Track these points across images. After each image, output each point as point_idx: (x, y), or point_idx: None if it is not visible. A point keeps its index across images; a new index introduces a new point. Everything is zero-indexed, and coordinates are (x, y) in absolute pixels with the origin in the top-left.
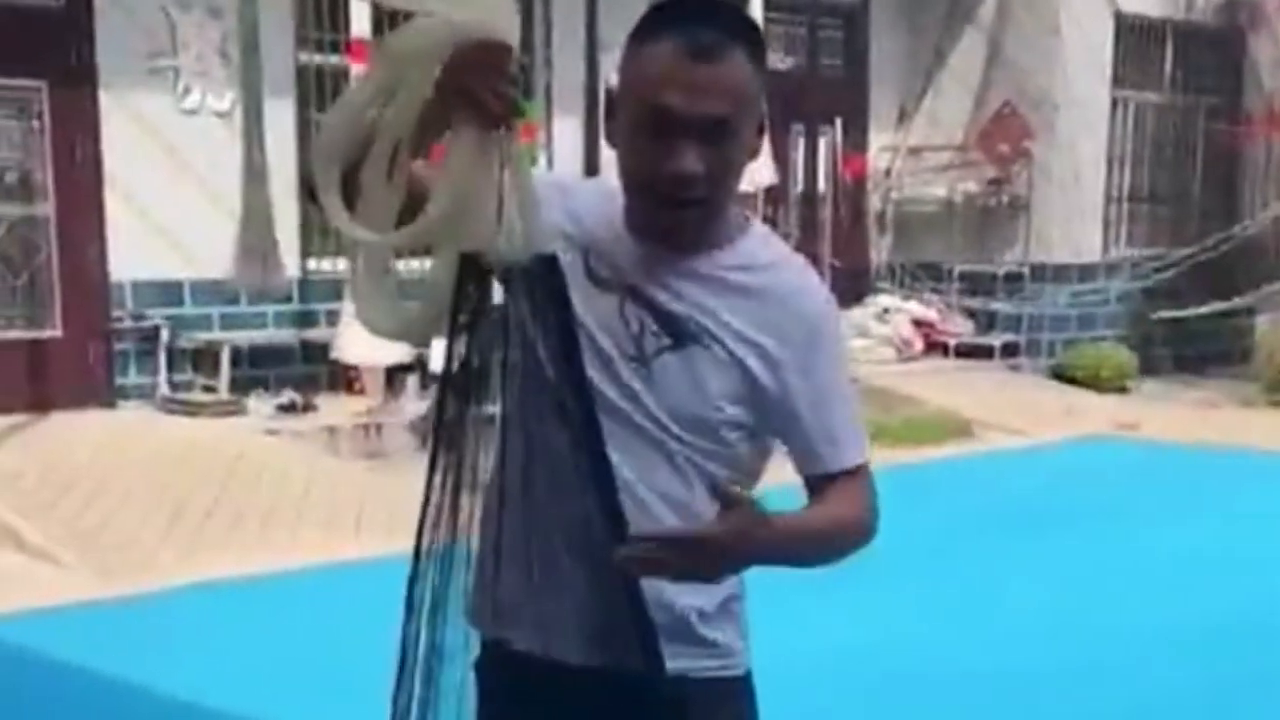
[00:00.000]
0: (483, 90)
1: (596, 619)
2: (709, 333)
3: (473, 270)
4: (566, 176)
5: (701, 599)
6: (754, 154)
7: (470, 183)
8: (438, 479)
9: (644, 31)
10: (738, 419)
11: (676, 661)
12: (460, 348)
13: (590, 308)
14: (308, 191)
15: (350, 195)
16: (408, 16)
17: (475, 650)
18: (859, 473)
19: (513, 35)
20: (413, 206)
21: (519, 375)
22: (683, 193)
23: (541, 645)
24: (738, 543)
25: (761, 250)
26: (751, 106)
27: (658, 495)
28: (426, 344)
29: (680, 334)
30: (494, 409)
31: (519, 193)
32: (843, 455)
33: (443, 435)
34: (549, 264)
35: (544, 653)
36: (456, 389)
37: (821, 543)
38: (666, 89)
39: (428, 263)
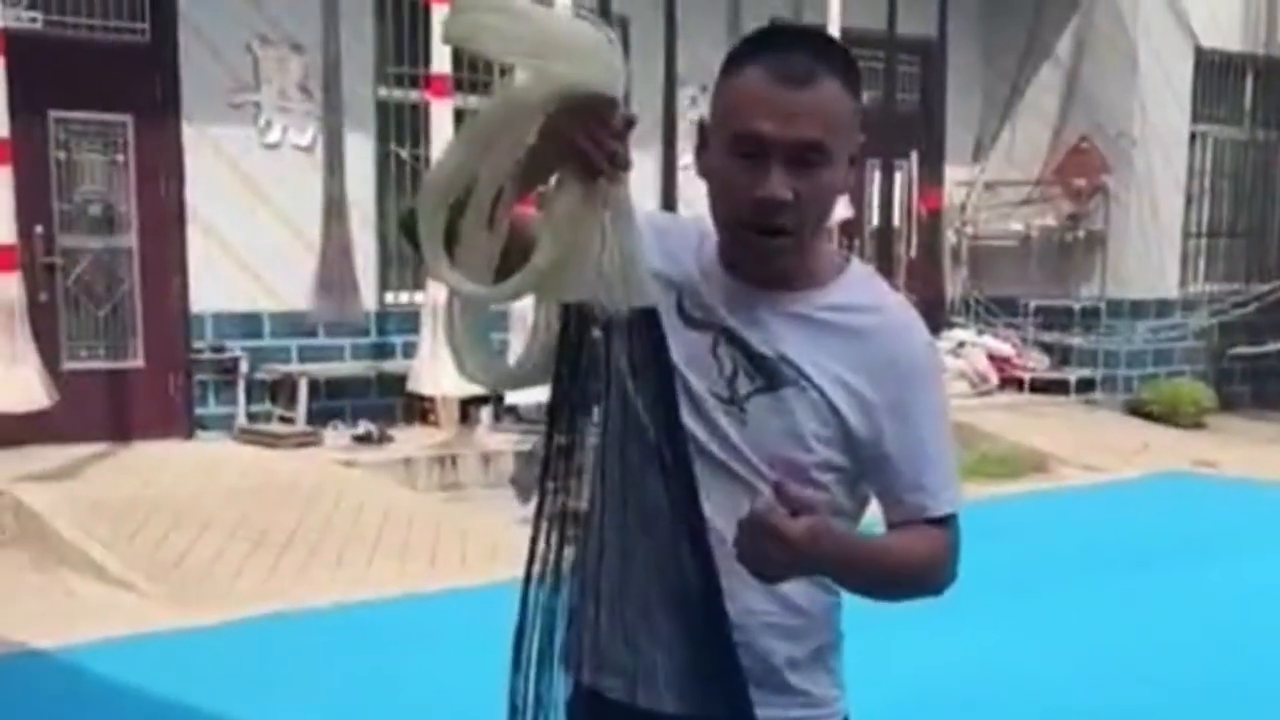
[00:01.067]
0: (588, 143)
1: (688, 668)
2: (802, 374)
3: (575, 320)
4: (660, 214)
5: (794, 647)
6: (846, 189)
7: (575, 234)
8: (543, 532)
9: (735, 61)
10: (831, 462)
11: (766, 710)
12: (564, 398)
13: (682, 348)
14: (407, 236)
15: (449, 244)
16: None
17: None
18: (945, 521)
19: (618, 88)
20: (510, 252)
21: (618, 424)
22: (771, 219)
23: (633, 694)
24: (807, 544)
25: (861, 290)
26: (843, 133)
27: None
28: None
29: (773, 376)
30: (594, 459)
31: (621, 244)
32: (929, 503)
33: (548, 488)
34: (649, 316)
35: (635, 701)
36: (562, 441)
37: (890, 575)
38: (756, 115)
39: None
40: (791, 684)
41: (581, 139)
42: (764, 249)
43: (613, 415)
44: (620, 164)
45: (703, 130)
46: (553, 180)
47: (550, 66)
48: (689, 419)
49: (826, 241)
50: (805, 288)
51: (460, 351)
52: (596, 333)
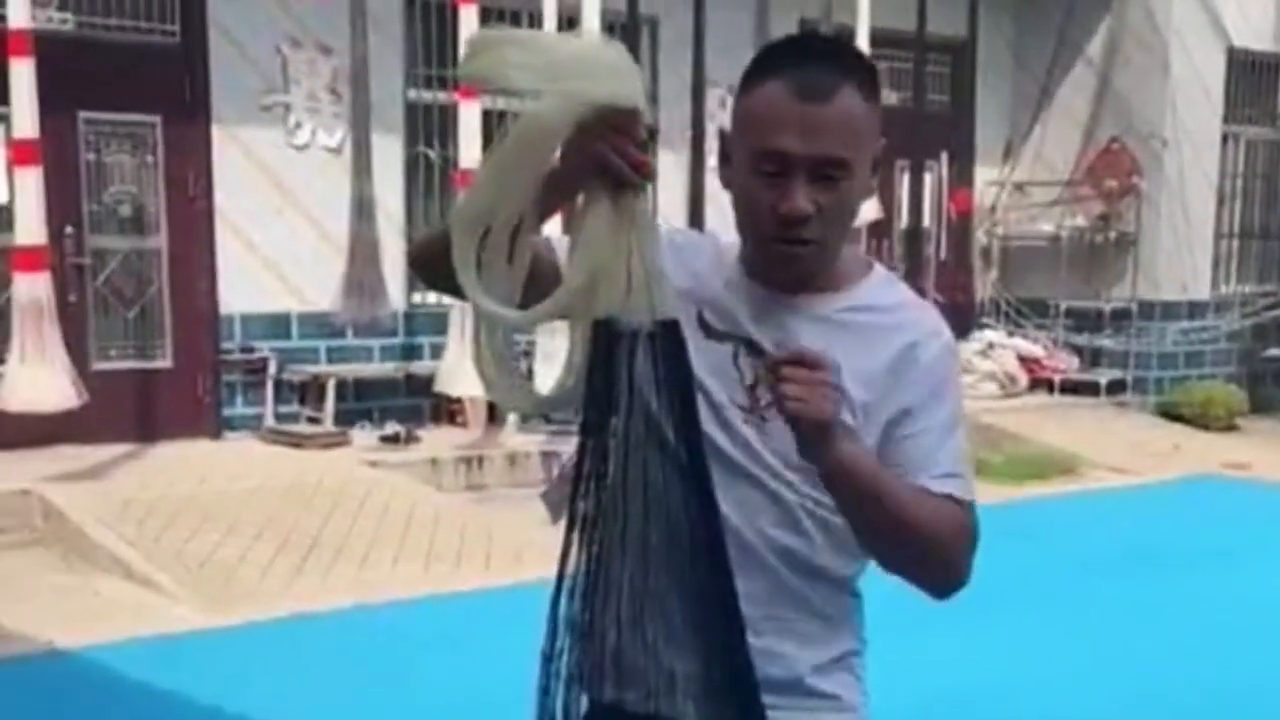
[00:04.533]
0: (613, 156)
1: (706, 678)
2: None
3: (604, 335)
4: (674, 230)
5: (817, 653)
6: (870, 193)
7: (605, 250)
8: (574, 551)
9: (754, 74)
10: None
11: (795, 714)
12: (595, 415)
13: (703, 358)
14: (420, 271)
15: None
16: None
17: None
18: (962, 505)
19: (639, 99)
20: (528, 281)
21: (640, 437)
22: (795, 233)
23: (654, 705)
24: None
25: (883, 293)
26: (865, 145)
27: (765, 540)
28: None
29: None
30: (617, 471)
31: (645, 257)
32: (946, 482)
33: (580, 507)
34: (672, 328)
35: (657, 711)
36: (595, 457)
37: (909, 525)
38: (777, 131)
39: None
40: (819, 689)
41: (607, 153)
42: (788, 256)
43: (635, 428)
44: (646, 174)
45: (724, 142)
46: (579, 200)
47: (568, 86)
48: (711, 427)
49: (851, 245)
50: (827, 290)
51: (492, 381)
52: (624, 346)
